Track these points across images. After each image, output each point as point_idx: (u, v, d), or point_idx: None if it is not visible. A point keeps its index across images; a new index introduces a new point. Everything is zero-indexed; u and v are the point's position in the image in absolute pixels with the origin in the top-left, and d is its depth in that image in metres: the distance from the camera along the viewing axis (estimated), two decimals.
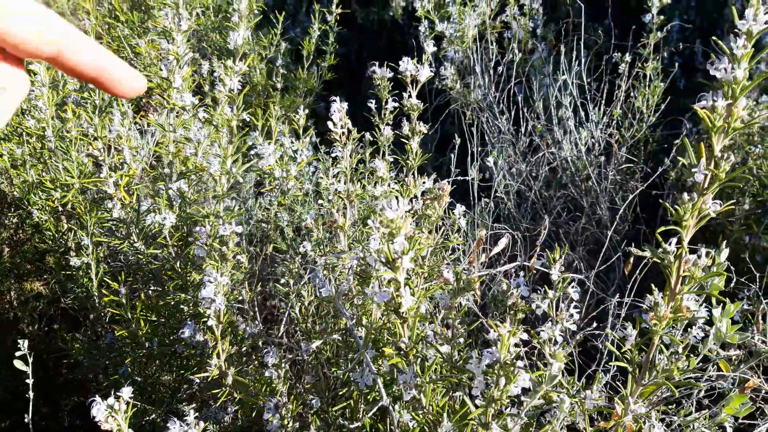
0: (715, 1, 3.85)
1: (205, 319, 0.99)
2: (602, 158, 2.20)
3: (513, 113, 2.40)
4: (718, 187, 0.71)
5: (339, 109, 1.05)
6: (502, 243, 1.36)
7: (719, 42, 0.67)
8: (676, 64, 3.09)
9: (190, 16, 1.26)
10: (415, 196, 1.18)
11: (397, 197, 0.70)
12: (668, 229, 0.74)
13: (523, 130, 2.35)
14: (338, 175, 1.11)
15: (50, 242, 1.93)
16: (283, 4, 4.48)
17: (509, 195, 2.23)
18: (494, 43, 2.57)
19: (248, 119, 1.68)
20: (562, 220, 2.21)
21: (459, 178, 1.79)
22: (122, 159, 1.28)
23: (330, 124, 1.05)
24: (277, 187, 1.74)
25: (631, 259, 1.58)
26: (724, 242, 1.05)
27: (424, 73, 1.24)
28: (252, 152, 1.80)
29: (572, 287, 1.05)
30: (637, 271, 1.54)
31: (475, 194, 1.87)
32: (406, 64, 1.22)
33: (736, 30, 0.66)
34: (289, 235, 1.66)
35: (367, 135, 1.52)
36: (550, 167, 2.26)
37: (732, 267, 2.03)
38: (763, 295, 1.71)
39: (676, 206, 0.72)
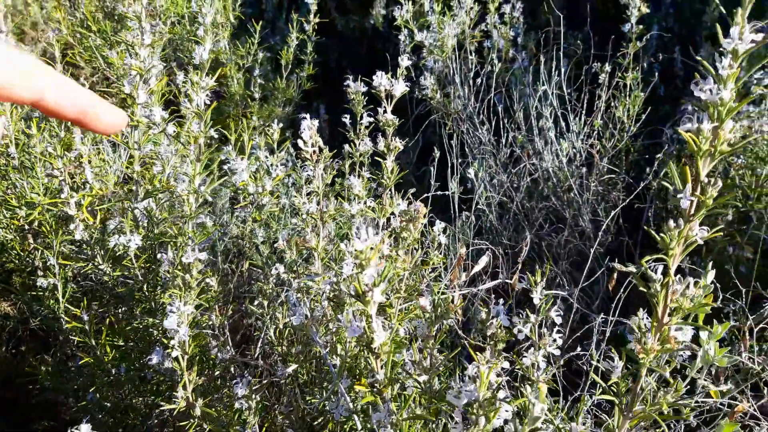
0: (693, 9, 3.87)
1: (169, 350, 0.94)
2: (584, 169, 2.17)
3: (494, 123, 2.37)
4: (705, 213, 0.68)
5: (309, 126, 1.00)
6: (483, 261, 1.32)
7: (705, 63, 0.63)
8: (656, 72, 3.09)
9: (165, 25, 1.21)
10: (393, 214, 1.14)
11: (366, 225, 0.66)
12: (655, 258, 0.70)
13: (503, 140, 2.32)
14: (311, 194, 1.06)
15: (16, 261, 1.86)
16: (261, 13, 4.43)
17: (491, 207, 2.19)
18: (474, 53, 2.54)
19: (221, 133, 1.62)
20: (544, 232, 2.17)
21: (439, 192, 1.75)
22: (84, 179, 1.22)
23: (300, 142, 1.01)
24: (252, 203, 1.68)
25: (615, 275, 1.55)
26: (710, 262, 1.02)
27: (399, 88, 1.19)
28: (226, 167, 1.75)
29: (555, 311, 1.01)
30: (622, 288, 1.51)
31: (456, 207, 1.83)
32: (380, 79, 1.18)
33: (720, 49, 0.63)
34: (264, 252, 1.61)
35: (347, 147, 1.48)
36: (532, 178, 2.23)
37: (716, 279, 2.02)
38: (749, 308, 1.69)
39: (662, 234, 0.69)
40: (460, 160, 2.27)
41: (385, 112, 1.23)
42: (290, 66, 3.19)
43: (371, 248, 0.66)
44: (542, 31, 2.77)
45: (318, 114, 3.83)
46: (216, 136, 1.25)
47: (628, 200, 1.75)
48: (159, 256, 1.00)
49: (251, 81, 3.18)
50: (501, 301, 0.85)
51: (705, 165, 0.66)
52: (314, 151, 1.01)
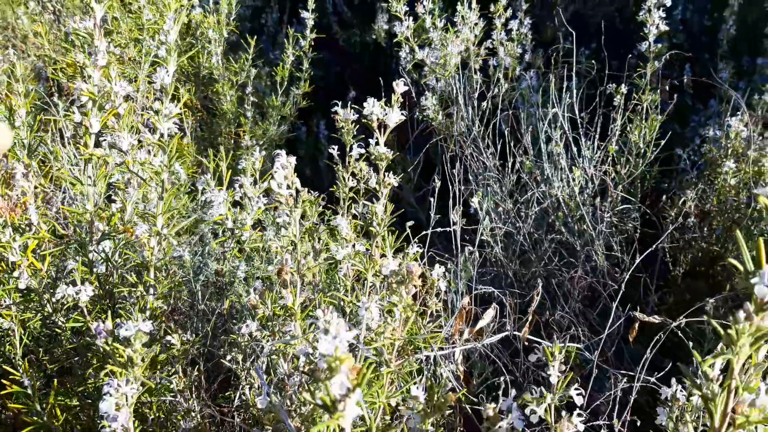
0: (702, 24, 3.73)
1: None
2: (597, 200, 2.00)
3: (499, 147, 2.21)
4: None
5: (284, 165, 0.84)
6: (489, 315, 1.15)
7: None
8: (670, 90, 2.93)
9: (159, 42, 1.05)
10: (377, 273, 0.97)
11: (333, 319, 0.49)
12: (717, 355, 0.53)
13: (510, 165, 2.15)
14: (286, 246, 0.90)
15: None
16: (262, 27, 4.29)
17: (496, 238, 2.03)
18: (479, 72, 2.39)
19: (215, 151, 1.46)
20: (554, 266, 2.01)
21: (440, 229, 1.59)
22: (28, 220, 1.06)
23: (273, 184, 0.84)
24: (231, 238, 1.52)
25: (636, 326, 1.38)
26: None
27: (394, 117, 1.03)
28: (203, 197, 1.59)
29: (575, 389, 0.84)
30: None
31: (458, 243, 1.67)
32: (372, 107, 1.01)
33: None
34: (241, 295, 1.44)
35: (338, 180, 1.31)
36: (541, 207, 2.07)
37: None
38: None
39: (728, 330, 0.52)
40: (463, 187, 2.11)
41: (377, 144, 1.07)
42: (286, 83, 3.04)
43: (341, 349, 0.49)
44: (551, 49, 2.62)
45: (318, 130, 3.67)
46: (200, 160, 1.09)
47: (650, 249, 1.58)
48: (94, 325, 0.83)
49: (244, 98, 3.03)
50: (513, 392, 0.68)
51: None
52: (290, 195, 0.85)
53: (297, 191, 0.87)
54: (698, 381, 0.59)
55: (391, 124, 1.04)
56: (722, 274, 2.03)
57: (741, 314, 0.53)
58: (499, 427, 0.64)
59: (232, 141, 3.19)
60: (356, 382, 0.51)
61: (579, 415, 0.85)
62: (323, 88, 4.10)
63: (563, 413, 0.84)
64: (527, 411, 0.86)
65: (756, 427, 0.61)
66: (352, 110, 1.11)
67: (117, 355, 0.77)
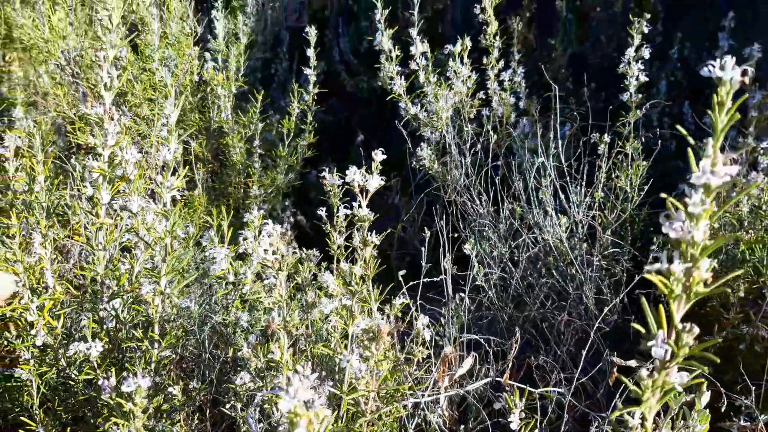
0: (700, 62, 3.83)
1: None
2: (585, 244, 2.09)
3: (492, 194, 2.31)
4: (680, 362, 0.59)
5: (270, 233, 0.95)
6: (467, 364, 1.23)
7: (671, 200, 0.57)
8: (659, 131, 3.01)
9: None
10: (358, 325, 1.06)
11: (296, 377, 0.59)
12: (629, 410, 0.62)
13: (502, 212, 2.25)
14: (273, 305, 1.00)
15: None
16: (272, 76, 4.47)
17: (490, 283, 2.11)
18: (472, 122, 2.50)
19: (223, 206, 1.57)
20: (546, 310, 2.08)
21: (431, 279, 1.68)
22: (45, 283, 1.17)
23: (259, 250, 0.95)
24: (233, 291, 1.62)
25: (615, 370, 1.44)
26: (704, 375, 0.93)
27: (373, 183, 1.14)
28: (206, 253, 1.70)
29: None
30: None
31: (449, 290, 1.75)
32: (353, 175, 1.12)
33: (690, 182, 0.56)
34: (241, 345, 1.53)
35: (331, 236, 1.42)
36: (533, 252, 2.15)
37: (728, 360, 1.89)
38: (764, 396, 1.57)
39: (637, 383, 0.60)
40: (456, 234, 2.20)
41: (359, 207, 1.17)
42: (292, 134, 3.18)
43: (301, 405, 0.58)
44: (544, 95, 2.73)
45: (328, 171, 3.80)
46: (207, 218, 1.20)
47: (629, 288, 1.65)
48: (99, 381, 0.93)
49: (252, 150, 3.17)
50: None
51: (679, 308, 0.59)
52: (275, 259, 0.95)
53: (282, 256, 0.97)
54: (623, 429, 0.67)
55: (371, 189, 1.15)
56: (712, 314, 2.08)
57: (644, 372, 0.61)
58: None
59: (242, 190, 3.32)
60: None
61: None
62: (333, 132, 4.24)
63: None
64: None
65: None
66: (338, 176, 1.22)
67: (120, 408, 0.87)
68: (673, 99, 3.37)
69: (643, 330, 0.60)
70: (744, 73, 0.55)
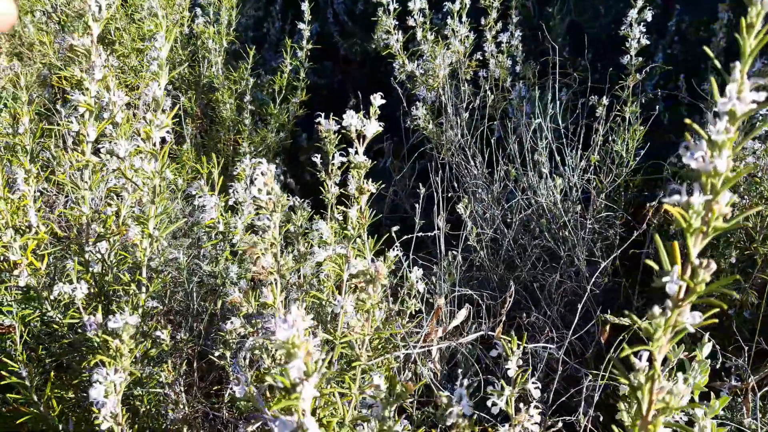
0: (697, 37, 3.79)
1: (99, 422, 0.83)
2: (579, 207, 2.07)
3: (486, 156, 2.28)
4: (695, 299, 0.57)
5: (263, 172, 0.91)
6: (461, 315, 1.21)
7: (694, 125, 0.54)
8: (660, 101, 2.98)
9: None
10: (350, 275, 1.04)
11: (291, 307, 0.56)
12: (637, 349, 0.60)
13: (497, 174, 2.22)
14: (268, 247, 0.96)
15: None
16: (265, 35, 4.37)
17: (481, 243, 2.09)
18: (469, 83, 2.46)
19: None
20: (538, 272, 2.07)
21: (424, 234, 1.65)
22: (28, 222, 1.13)
23: (254, 190, 0.91)
24: (223, 240, 1.59)
25: (608, 328, 1.44)
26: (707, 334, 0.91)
27: (371, 129, 1.10)
28: (196, 202, 1.66)
29: (533, 383, 0.91)
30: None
31: (442, 248, 1.73)
32: (350, 119, 1.08)
33: (715, 109, 0.53)
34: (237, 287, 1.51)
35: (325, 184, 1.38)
36: (526, 214, 2.13)
37: (718, 325, 1.89)
38: (752, 363, 1.57)
39: (647, 323, 0.58)
40: (450, 194, 2.18)
41: (356, 153, 1.14)
42: (284, 92, 3.12)
43: (298, 336, 0.56)
44: (541, 60, 2.68)
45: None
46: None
47: (621, 249, 1.64)
48: (85, 318, 0.90)
49: (243, 106, 3.11)
50: (464, 382, 0.75)
51: (696, 243, 0.56)
52: (269, 199, 0.91)
53: (277, 197, 0.93)
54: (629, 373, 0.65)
55: (369, 135, 1.11)
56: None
57: (656, 309, 0.59)
58: (450, 412, 0.70)
59: (232, 148, 3.26)
60: (313, 367, 0.57)
61: (536, 407, 0.91)
62: (325, 95, 4.17)
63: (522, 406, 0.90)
64: (489, 403, 0.93)
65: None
66: (334, 121, 1.18)
67: (106, 346, 0.84)
68: (669, 72, 3.33)
69: (656, 266, 0.58)
70: None
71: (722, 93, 0.53)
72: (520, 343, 0.94)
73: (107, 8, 1.01)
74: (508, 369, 0.86)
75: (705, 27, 3.71)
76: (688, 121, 0.57)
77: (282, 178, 3.13)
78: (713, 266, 0.56)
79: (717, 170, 0.52)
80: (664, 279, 0.57)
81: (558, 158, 2.13)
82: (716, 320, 0.58)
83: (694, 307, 0.61)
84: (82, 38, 1.02)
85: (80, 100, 1.04)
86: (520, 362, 0.89)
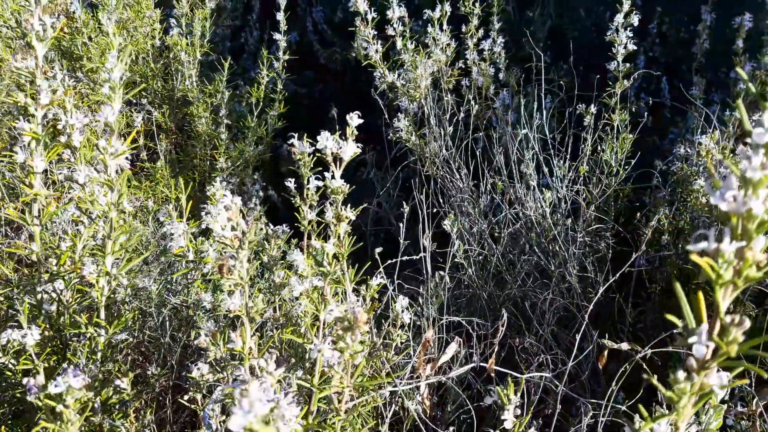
0: (679, 38, 3.76)
1: None
2: (569, 220, 1.99)
3: (472, 168, 2.20)
4: (724, 361, 0.49)
5: (228, 206, 0.81)
6: (452, 349, 1.12)
7: (729, 163, 0.45)
8: (645, 105, 2.93)
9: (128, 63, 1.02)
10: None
11: (254, 387, 0.47)
12: (659, 418, 0.51)
13: (483, 186, 2.14)
14: (234, 289, 0.87)
15: None
16: (243, 46, 4.28)
17: (469, 260, 2.01)
18: (452, 92, 2.38)
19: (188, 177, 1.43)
20: (528, 288, 1.99)
21: (410, 257, 1.56)
22: None
23: (216, 227, 0.82)
24: (194, 269, 1.49)
25: (605, 353, 1.36)
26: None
27: (349, 151, 1.01)
28: (164, 229, 1.56)
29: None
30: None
31: (429, 269, 1.64)
32: (325, 141, 0.99)
33: (748, 141, 0.45)
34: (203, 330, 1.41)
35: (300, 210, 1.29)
36: (514, 228, 2.05)
37: None
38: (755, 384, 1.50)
39: (671, 391, 0.50)
40: (435, 209, 2.09)
41: (333, 177, 1.05)
42: (261, 104, 3.02)
43: (260, 420, 0.46)
44: (525, 66, 2.62)
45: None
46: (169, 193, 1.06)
47: (621, 271, 1.56)
48: (25, 380, 0.80)
49: (219, 121, 3.00)
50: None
51: (726, 296, 0.48)
52: (235, 236, 0.82)
53: (243, 233, 0.84)
54: None
55: (346, 158, 1.02)
56: (697, 291, 2.00)
57: (681, 374, 0.50)
58: None
59: (208, 163, 3.15)
60: None
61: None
62: (306, 105, 4.08)
63: None
64: None
65: None
66: (308, 143, 1.09)
67: (51, 411, 0.74)
68: (650, 74, 3.29)
69: (678, 322, 0.49)
70: None
71: (757, 123, 0.45)
72: (509, 376, 0.85)
73: (53, 27, 0.91)
74: (505, 421, 0.77)
75: (686, 29, 3.68)
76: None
77: (261, 193, 3.03)
78: (747, 323, 0.47)
79: (752, 213, 0.44)
80: (691, 340, 0.48)
81: (546, 169, 2.05)
82: (746, 380, 0.49)
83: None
84: (25, 60, 0.92)
85: (25, 128, 0.94)
86: (517, 405, 0.80)
